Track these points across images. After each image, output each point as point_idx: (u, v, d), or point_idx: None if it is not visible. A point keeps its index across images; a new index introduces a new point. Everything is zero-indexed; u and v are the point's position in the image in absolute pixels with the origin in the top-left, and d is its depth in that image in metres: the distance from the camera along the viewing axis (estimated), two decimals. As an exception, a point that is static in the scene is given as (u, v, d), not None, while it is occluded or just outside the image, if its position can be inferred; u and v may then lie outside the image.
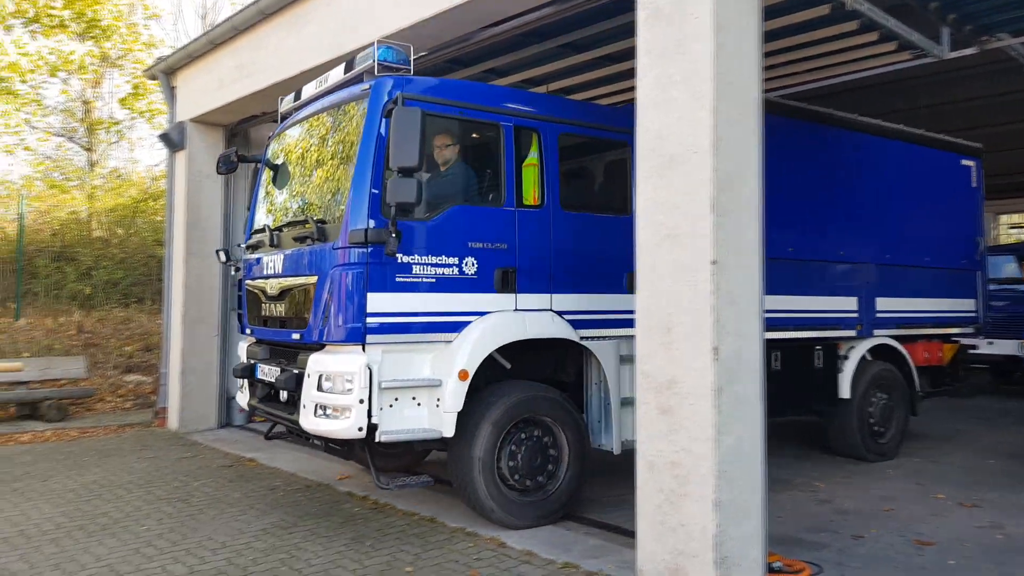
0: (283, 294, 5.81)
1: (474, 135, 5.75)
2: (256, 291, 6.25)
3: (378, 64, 5.32)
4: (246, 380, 6.31)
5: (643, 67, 4.35)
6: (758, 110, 4.25)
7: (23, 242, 13.92)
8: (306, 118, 6.11)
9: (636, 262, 4.41)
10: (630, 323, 5.75)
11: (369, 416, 4.98)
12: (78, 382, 10.41)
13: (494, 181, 5.65)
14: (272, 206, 6.45)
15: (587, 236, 5.92)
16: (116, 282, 14.58)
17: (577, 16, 6.31)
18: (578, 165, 6.44)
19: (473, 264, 5.40)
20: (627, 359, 5.88)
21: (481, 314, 5.42)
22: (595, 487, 6.42)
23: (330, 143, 5.74)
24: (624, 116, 6.10)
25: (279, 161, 6.36)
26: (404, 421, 5.14)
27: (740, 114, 4.15)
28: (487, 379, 5.52)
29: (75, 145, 18.82)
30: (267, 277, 6.05)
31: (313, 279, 5.35)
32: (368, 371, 4.98)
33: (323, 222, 5.35)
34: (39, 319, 13.19)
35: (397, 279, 5.15)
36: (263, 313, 6.11)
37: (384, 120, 5.12)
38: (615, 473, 6.55)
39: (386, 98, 5.17)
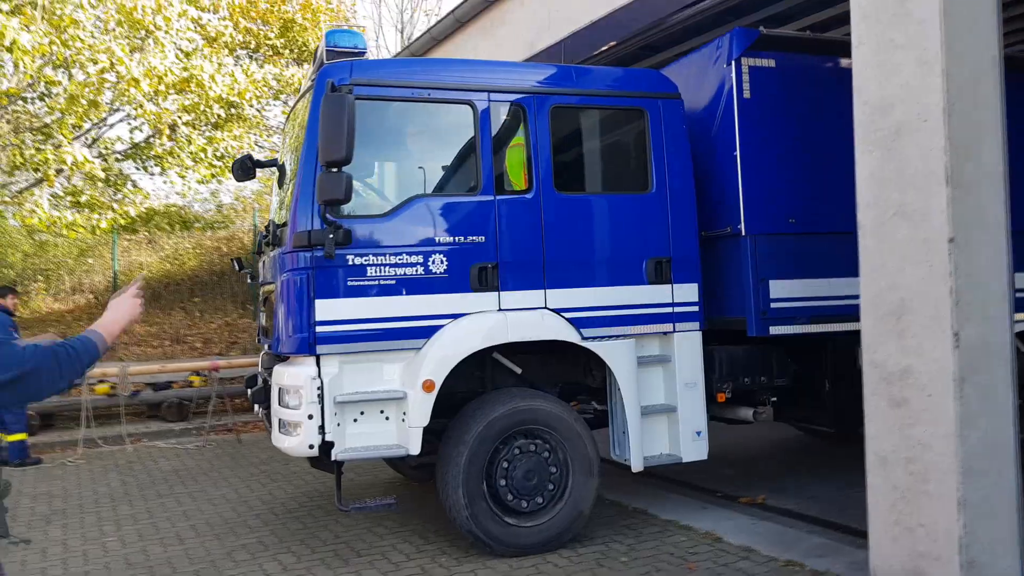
0: (266, 301, 5.58)
1: (441, 117, 5.08)
2: (260, 298, 6.12)
3: (327, 50, 4.86)
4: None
5: (859, 34, 4.05)
6: (997, 69, 3.82)
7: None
8: (290, 114, 5.85)
9: (859, 244, 4.11)
10: (652, 319, 5.31)
11: (323, 432, 4.56)
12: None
13: (467, 167, 5.04)
14: (275, 209, 6.14)
15: (591, 221, 5.22)
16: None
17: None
18: (579, 140, 5.59)
19: (442, 262, 4.79)
20: (650, 361, 5.26)
21: (455, 317, 4.82)
22: (810, 482, 6.11)
23: (296, 140, 5.35)
24: (639, 80, 5.61)
25: (281, 161, 6.02)
26: (367, 438, 4.70)
27: (975, 75, 3.77)
28: (495, 386, 5.16)
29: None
30: (261, 284, 5.89)
31: (273, 286, 5.10)
32: (317, 384, 4.57)
33: (282, 225, 4.97)
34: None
35: (349, 283, 4.65)
36: (261, 322, 5.87)
37: None
38: (835, 468, 6.19)
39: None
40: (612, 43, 6.48)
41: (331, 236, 4.52)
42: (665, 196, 5.31)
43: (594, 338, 5.08)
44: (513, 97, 5.04)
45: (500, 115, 5.01)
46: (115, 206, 12.09)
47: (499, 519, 4.82)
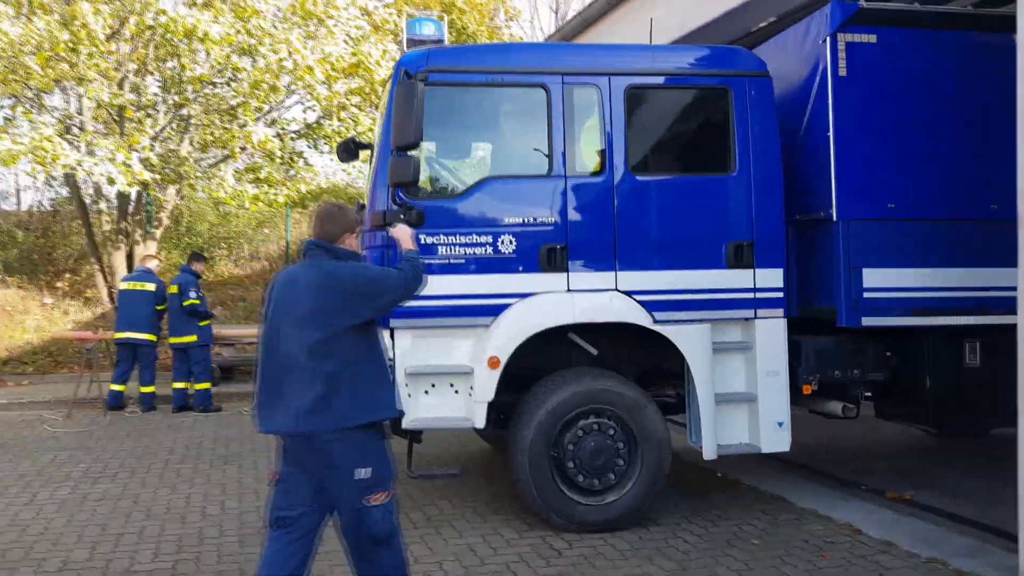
0: None
1: (515, 100, 5.18)
2: None
3: (408, 39, 4.95)
4: None
5: None
6: None
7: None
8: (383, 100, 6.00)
9: (1020, 234, 3.86)
10: (731, 304, 5.09)
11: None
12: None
13: (539, 149, 5.04)
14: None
15: (667, 203, 5.11)
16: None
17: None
18: (657, 121, 5.45)
19: (511, 242, 4.88)
20: (729, 347, 5.11)
21: (523, 296, 4.89)
22: (963, 480, 5.79)
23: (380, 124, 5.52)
24: (724, 58, 5.27)
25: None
26: (437, 409, 4.89)
27: None
28: (569, 364, 5.12)
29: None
30: None
31: None
32: (390, 356, 4.75)
33: (364, 206, 5.22)
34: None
35: None
36: None
37: None
38: (991, 465, 5.82)
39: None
40: (771, 19, 6.30)
41: (402, 216, 4.74)
42: (748, 178, 5.11)
43: (667, 322, 5.00)
44: (587, 79, 5.04)
45: (573, 97, 5.02)
46: (288, 183, 13.10)
47: (564, 496, 4.91)
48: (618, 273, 5.01)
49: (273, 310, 3.27)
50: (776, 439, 5.11)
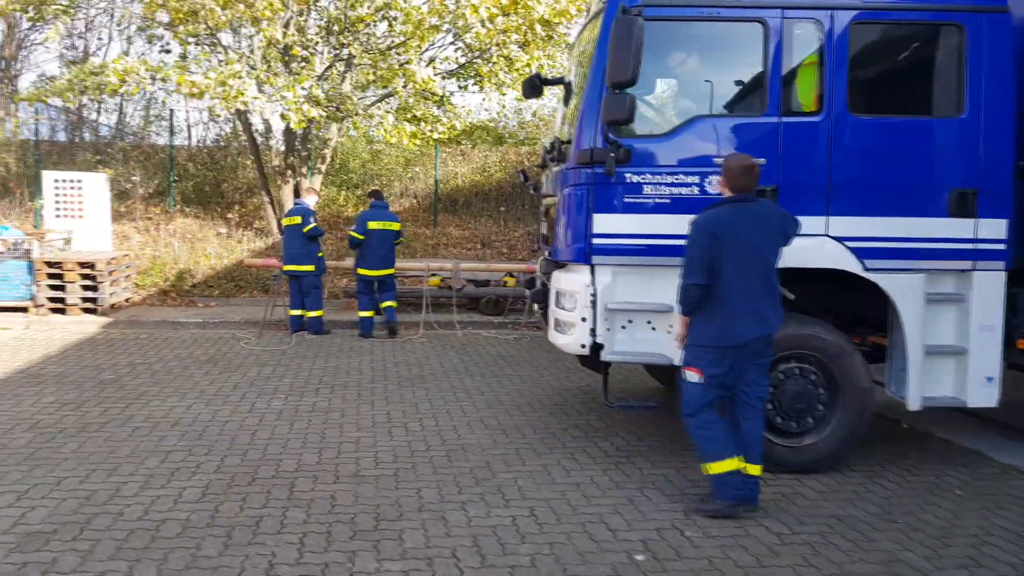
0: (547, 213, 5.96)
1: (729, 36, 5.03)
2: (541, 209, 6.50)
3: None
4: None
5: None
6: None
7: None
8: (580, 34, 5.90)
9: None
10: (948, 254, 4.87)
11: (594, 335, 4.98)
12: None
13: (753, 87, 4.93)
14: (558, 126, 6.39)
15: (887, 146, 4.89)
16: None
17: None
18: (881, 58, 5.17)
19: (718, 182, 4.76)
20: (941, 298, 4.95)
21: None
22: None
23: (582, 60, 5.47)
24: None
25: (568, 80, 6.16)
26: (633, 344, 5.05)
27: None
28: None
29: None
30: (543, 196, 6.25)
31: (556, 199, 5.43)
32: (591, 291, 4.98)
33: (567, 142, 5.27)
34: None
35: (626, 199, 4.94)
36: (542, 230, 6.33)
37: None
38: None
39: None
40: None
41: (612, 155, 4.83)
42: (978, 121, 4.86)
43: (878, 270, 4.91)
44: (809, 13, 4.90)
45: (793, 32, 4.91)
46: (444, 120, 13.40)
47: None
48: (830, 218, 4.92)
49: (743, 242, 4.19)
50: (985, 394, 4.97)
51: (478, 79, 14.34)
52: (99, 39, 24.18)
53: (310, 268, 9.75)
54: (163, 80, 12.30)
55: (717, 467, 4.30)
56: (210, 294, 12.34)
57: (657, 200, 4.97)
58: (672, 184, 4.96)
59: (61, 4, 13.01)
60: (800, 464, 5.01)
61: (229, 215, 15.61)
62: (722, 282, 4.20)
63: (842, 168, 4.90)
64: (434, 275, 11.27)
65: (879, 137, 4.93)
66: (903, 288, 4.90)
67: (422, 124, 13.15)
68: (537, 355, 8.95)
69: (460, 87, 15.23)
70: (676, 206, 4.94)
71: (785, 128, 4.91)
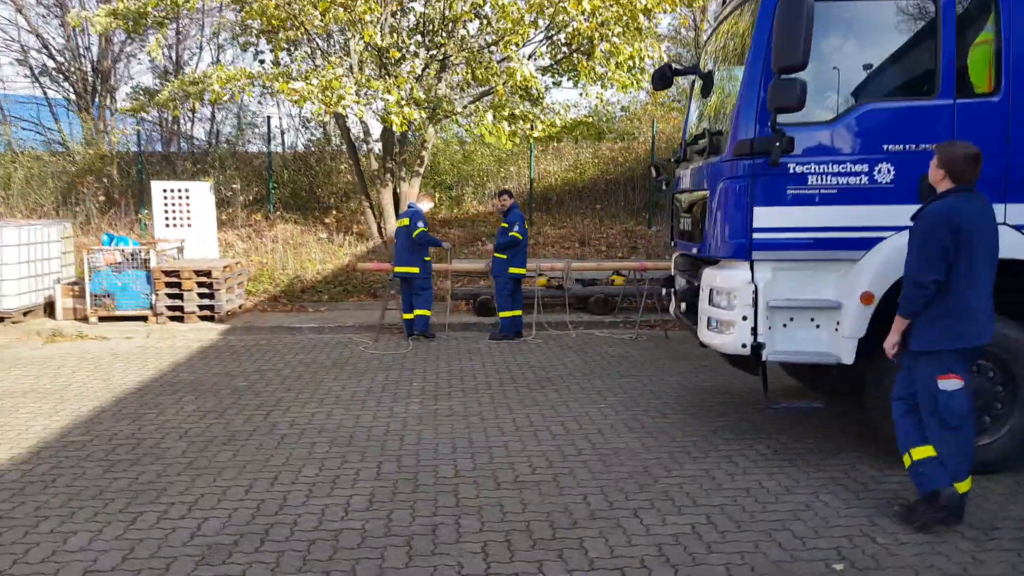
0: (690, 208, 5.74)
1: (897, 14, 4.73)
2: (676, 204, 6.32)
3: None
4: (671, 290, 6.43)
5: None
6: None
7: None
8: (722, 22, 5.67)
9: None
10: None
11: (755, 334, 4.79)
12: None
13: (924, 69, 4.65)
14: (694, 119, 6.30)
15: None
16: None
17: None
18: None
19: (889, 171, 4.61)
20: None
21: (899, 229, 4.53)
22: None
23: (733, 48, 5.22)
24: None
25: (706, 70, 6.00)
26: (796, 343, 4.83)
27: None
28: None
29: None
30: (682, 191, 6.07)
31: (706, 193, 5.20)
32: (752, 288, 4.77)
33: (718, 133, 5.03)
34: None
35: (789, 191, 4.72)
36: (680, 226, 6.15)
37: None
38: None
39: None
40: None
41: (778, 144, 4.60)
42: None
43: None
44: None
45: (969, 8, 4.63)
46: (543, 116, 13.25)
47: None
48: (1007, 206, 4.61)
49: (979, 236, 3.91)
50: None
51: (573, 74, 14.16)
52: (189, 50, 25.11)
53: (415, 270, 9.78)
54: (264, 87, 12.59)
55: (966, 485, 4.09)
56: (319, 299, 12.53)
57: (823, 191, 4.74)
58: (839, 174, 4.72)
59: (158, 15, 13.40)
60: (978, 463, 4.67)
61: (327, 220, 15.87)
62: (959, 279, 3.94)
63: (1021, 151, 4.61)
64: (541, 275, 11.17)
65: None
66: None
67: (520, 122, 13.03)
68: (657, 355, 8.75)
69: (554, 83, 15.05)
70: (843, 197, 4.72)
71: (959, 111, 4.64)
